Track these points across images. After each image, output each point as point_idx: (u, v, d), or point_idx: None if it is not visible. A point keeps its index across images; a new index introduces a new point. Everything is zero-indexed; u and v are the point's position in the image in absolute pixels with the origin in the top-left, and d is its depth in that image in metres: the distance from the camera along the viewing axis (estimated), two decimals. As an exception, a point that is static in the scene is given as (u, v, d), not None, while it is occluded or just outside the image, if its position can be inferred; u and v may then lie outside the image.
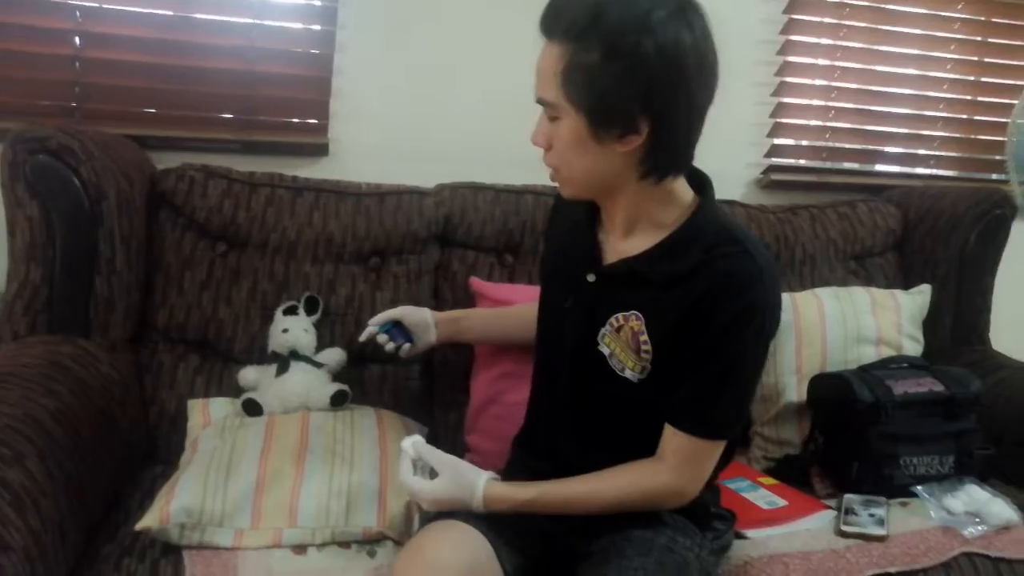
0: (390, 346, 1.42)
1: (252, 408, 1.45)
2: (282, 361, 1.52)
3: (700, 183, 1.16)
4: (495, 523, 1.14)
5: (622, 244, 1.16)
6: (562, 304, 1.21)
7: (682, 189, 1.14)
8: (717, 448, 1.15)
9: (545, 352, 1.30)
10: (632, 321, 1.13)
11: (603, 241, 1.19)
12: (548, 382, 1.29)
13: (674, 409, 1.13)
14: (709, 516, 1.25)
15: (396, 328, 1.43)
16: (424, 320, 1.45)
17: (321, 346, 1.58)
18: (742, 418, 1.15)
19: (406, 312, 1.44)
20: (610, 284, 1.16)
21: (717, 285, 1.07)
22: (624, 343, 1.14)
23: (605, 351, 1.16)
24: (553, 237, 1.34)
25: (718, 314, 1.06)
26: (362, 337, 1.44)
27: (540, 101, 1.07)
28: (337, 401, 1.47)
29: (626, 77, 0.99)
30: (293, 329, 1.54)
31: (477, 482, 1.14)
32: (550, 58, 1.03)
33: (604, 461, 1.16)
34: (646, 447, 1.16)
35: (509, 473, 1.29)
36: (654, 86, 1.00)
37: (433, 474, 1.15)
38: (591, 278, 1.17)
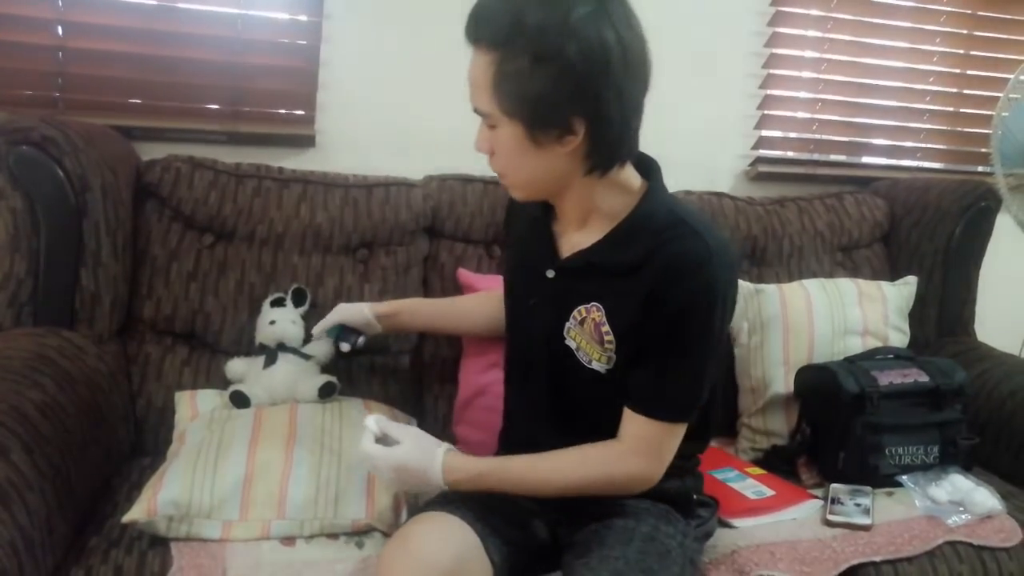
0: (345, 347, 1.45)
1: (240, 400, 1.44)
2: (270, 353, 1.51)
3: (648, 168, 1.18)
4: (481, 514, 1.15)
5: (577, 237, 1.17)
6: (527, 302, 1.23)
7: (630, 177, 1.15)
8: (677, 431, 1.15)
9: (516, 349, 1.32)
10: (593, 312, 1.14)
11: (559, 236, 1.21)
12: (521, 378, 1.30)
13: (632, 392, 1.14)
14: (692, 504, 1.27)
15: (344, 330, 1.46)
16: (364, 318, 1.46)
17: (309, 338, 1.58)
18: (700, 400, 1.15)
19: (345, 316, 1.45)
20: (569, 278, 1.17)
21: (669, 269, 1.08)
22: (588, 335, 1.15)
23: (572, 345, 1.17)
24: (512, 237, 1.36)
25: (671, 297, 1.07)
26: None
27: (476, 111, 1.09)
28: (325, 393, 1.47)
29: (554, 80, 1.00)
30: (280, 321, 1.53)
31: (437, 450, 1.14)
32: (479, 67, 1.04)
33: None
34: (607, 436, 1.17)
35: None
36: (583, 86, 1.01)
37: (394, 444, 1.15)
38: (551, 274, 1.19)
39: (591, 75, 1.00)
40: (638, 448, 1.14)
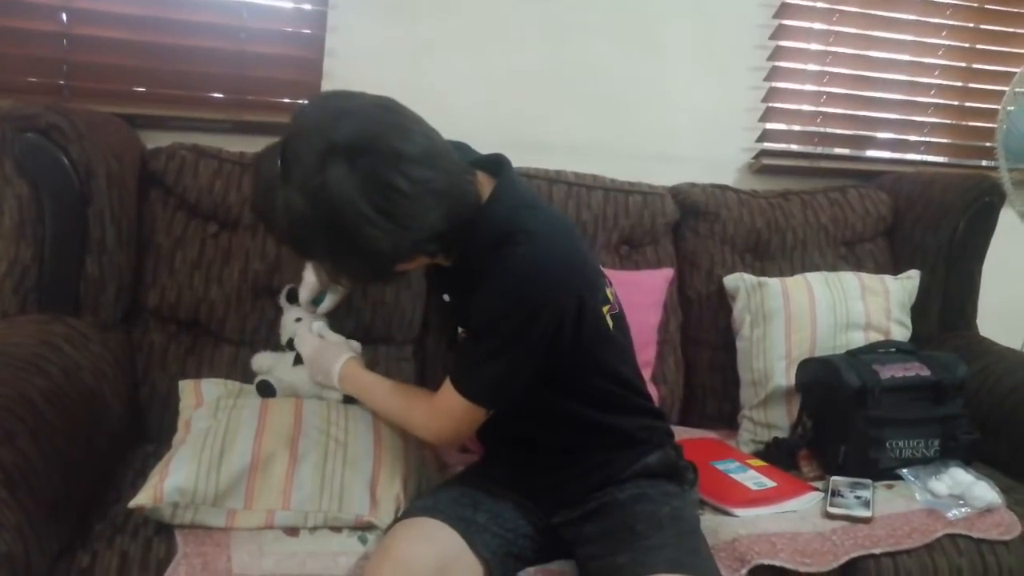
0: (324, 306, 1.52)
1: (266, 390, 1.43)
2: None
3: (496, 168, 1.19)
4: (464, 514, 1.17)
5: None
6: (446, 319, 1.34)
7: (481, 189, 1.16)
8: (472, 409, 1.17)
9: None
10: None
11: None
12: None
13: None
14: (680, 469, 1.29)
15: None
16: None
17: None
18: (500, 394, 1.17)
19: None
20: (454, 300, 1.25)
21: (494, 272, 1.10)
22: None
23: None
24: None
25: (488, 289, 1.11)
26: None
27: None
28: (350, 400, 1.42)
29: (336, 269, 1.12)
30: (307, 319, 1.49)
31: (346, 354, 1.37)
32: None
33: (537, 436, 1.24)
34: (553, 416, 1.22)
35: (486, 459, 1.38)
36: (360, 261, 1.08)
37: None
38: (446, 297, 1.26)
39: (353, 256, 1.07)
40: (436, 408, 1.22)
